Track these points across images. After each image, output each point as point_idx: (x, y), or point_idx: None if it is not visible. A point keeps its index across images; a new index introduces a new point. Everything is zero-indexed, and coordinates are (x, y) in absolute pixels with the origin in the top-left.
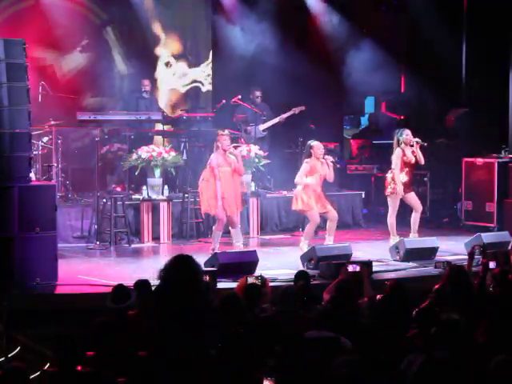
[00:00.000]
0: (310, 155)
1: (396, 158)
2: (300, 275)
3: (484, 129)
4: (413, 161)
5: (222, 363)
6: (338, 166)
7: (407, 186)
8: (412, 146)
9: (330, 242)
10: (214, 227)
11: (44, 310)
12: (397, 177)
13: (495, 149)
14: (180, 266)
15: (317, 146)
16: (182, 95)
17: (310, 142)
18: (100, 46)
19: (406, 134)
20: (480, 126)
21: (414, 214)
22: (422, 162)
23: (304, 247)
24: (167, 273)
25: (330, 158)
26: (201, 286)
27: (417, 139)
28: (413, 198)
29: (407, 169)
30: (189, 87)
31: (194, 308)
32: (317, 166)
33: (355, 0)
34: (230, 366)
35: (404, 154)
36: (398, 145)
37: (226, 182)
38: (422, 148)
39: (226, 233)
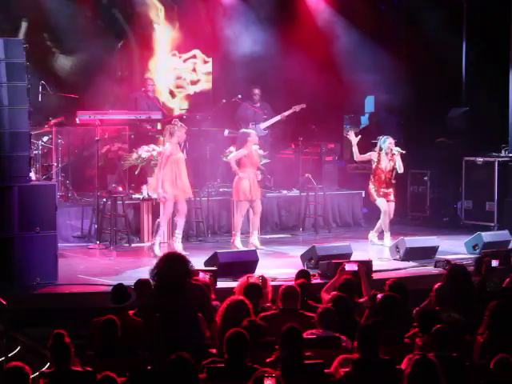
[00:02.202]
0: (245, 143)
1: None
2: (301, 274)
3: (484, 128)
4: (388, 169)
5: (222, 363)
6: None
7: (386, 194)
8: (393, 154)
9: (255, 239)
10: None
11: (44, 310)
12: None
13: (495, 148)
14: (168, 265)
15: (253, 134)
16: (184, 95)
17: (245, 130)
18: None
19: (390, 143)
20: (480, 125)
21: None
22: (401, 170)
23: (239, 243)
24: (156, 271)
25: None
26: (186, 281)
27: (397, 148)
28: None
29: (383, 177)
30: (190, 86)
31: (185, 304)
32: (252, 154)
33: None
34: (230, 366)
35: (379, 162)
36: (379, 151)
37: (179, 169)
38: (401, 156)
39: (226, 232)
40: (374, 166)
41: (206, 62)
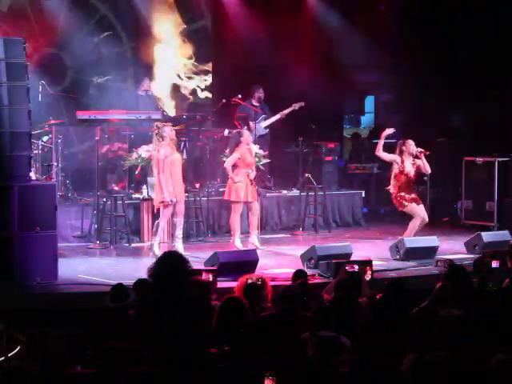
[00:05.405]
0: (239, 144)
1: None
2: (298, 274)
3: (484, 129)
4: (412, 173)
5: (223, 363)
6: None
7: (413, 199)
8: (415, 157)
9: (254, 239)
10: (159, 221)
11: (44, 310)
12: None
13: (495, 148)
14: (163, 264)
15: (246, 134)
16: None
17: (237, 131)
18: None
19: (410, 144)
20: (480, 125)
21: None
22: (429, 170)
23: (238, 243)
24: (153, 271)
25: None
26: (182, 280)
27: (420, 149)
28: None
29: (406, 181)
30: (189, 87)
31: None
32: (246, 154)
33: None
34: (230, 366)
35: (402, 164)
36: (400, 154)
37: (175, 169)
38: (426, 157)
39: (226, 232)
40: (397, 171)
41: (206, 63)
